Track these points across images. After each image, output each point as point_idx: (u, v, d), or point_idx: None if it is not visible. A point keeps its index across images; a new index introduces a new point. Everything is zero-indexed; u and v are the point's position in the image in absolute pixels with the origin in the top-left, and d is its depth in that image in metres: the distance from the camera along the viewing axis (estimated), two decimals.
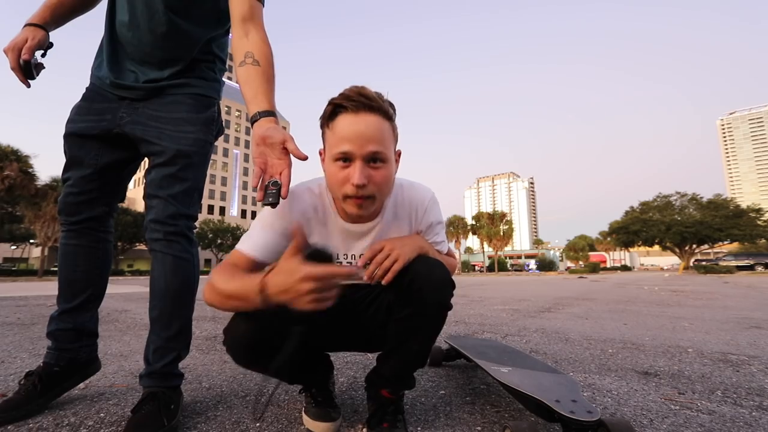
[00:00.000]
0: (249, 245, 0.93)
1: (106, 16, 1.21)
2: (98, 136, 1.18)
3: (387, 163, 0.89)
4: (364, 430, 1.05)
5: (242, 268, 0.91)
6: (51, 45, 1.20)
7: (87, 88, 1.25)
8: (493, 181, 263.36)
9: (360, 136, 0.85)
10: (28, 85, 1.17)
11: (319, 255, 0.72)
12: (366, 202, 0.89)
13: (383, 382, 1.05)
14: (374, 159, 0.87)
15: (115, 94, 1.20)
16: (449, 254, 1.13)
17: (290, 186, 0.86)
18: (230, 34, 1.23)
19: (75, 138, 1.19)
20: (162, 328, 1.15)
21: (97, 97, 1.21)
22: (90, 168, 1.18)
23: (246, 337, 0.89)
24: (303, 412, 1.11)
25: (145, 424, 0.98)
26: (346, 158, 0.86)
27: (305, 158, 0.91)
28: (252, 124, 0.94)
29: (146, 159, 1.24)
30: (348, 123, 0.85)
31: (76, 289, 1.22)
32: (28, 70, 1.14)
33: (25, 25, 1.16)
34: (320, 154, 0.96)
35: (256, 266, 0.93)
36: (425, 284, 0.90)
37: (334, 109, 0.88)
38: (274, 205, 0.84)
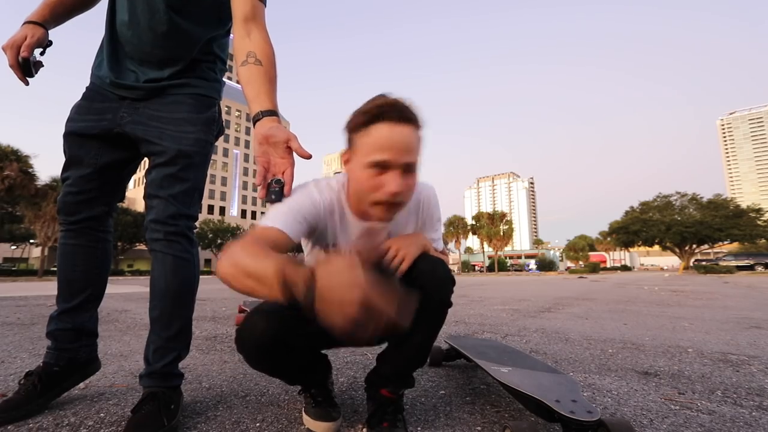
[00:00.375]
0: (281, 222, 0.86)
1: (106, 16, 1.21)
2: (98, 135, 1.18)
3: (416, 173, 0.92)
4: (364, 430, 1.05)
5: (270, 245, 0.79)
6: (50, 43, 1.20)
7: (87, 88, 1.24)
8: (493, 181, 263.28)
9: (399, 146, 0.87)
10: (27, 83, 1.17)
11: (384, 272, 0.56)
12: (395, 208, 0.92)
13: (383, 381, 1.06)
14: (408, 169, 0.89)
15: (116, 93, 1.20)
16: (443, 252, 1.14)
17: (301, 181, 0.87)
18: (231, 34, 1.23)
19: (75, 137, 1.19)
20: (162, 328, 1.15)
21: (97, 96, 1.21)
22: (89, 167, 1.18)
23: (266, 336, 0.87)
24: (303, 412, 1.11)
25: (145, 424, 0.98)
26: (382, 166, 0.87)
27: (309, 157, 0.91)
28: (254, 124, 0.94)
29: (146, 159, 1.24)
30: (387, 132, 0.87)
31: (75, 288, 1.22)
32: (26, 68, 1.13)
33: (24, 23, 1.16)
34: (343, 157, 0.97)
35: (285, 244, 0.85)
36: (429, 282, 0.92)
37: (371, 118, 0.88)
38: (276, 202, 0.84)
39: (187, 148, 1.16)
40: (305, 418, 1.08)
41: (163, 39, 1.16)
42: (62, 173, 1.21)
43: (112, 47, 1.20)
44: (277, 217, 0.86)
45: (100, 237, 1.25)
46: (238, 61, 1.01)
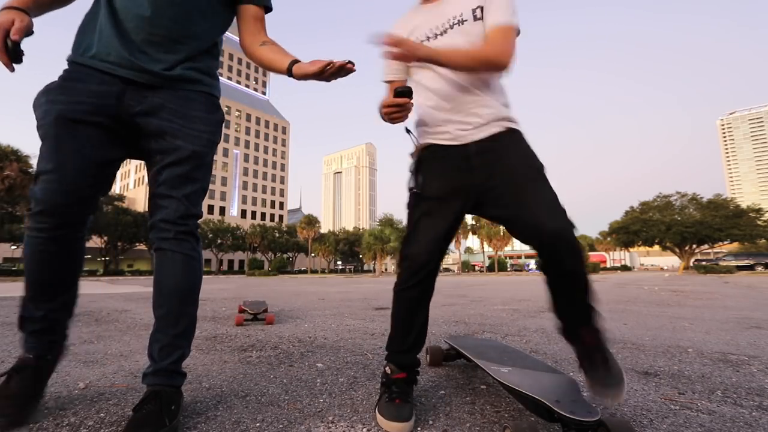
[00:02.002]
0: (389, 75, 1.35)
1: None
2: (95, 122, 1.08)
3: None
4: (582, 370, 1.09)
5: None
6: (32, 32, 1.09)
7: (71, 69, 1.11)
8: None
9: None
10: (13, 69, 1.05)
11: (400, 92, 1.09)
12: None
13: (572, 324, 1.13)
14: None
15: (120, 76, 1.10)
16: (504, 37, 1.16)
17: None
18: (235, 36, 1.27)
19: (68, 122, 1.05)
20: (170, 325, 1.14)
21: (91, 78, 1.09)
22: (86, 160, 1.07)
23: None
24: (376, 411, 1.13)
25: (146, 423, 0.98)
26: None
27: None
28: (294, 65, 1.14)
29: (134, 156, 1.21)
30: None
31: (55, 292, 1.18)
32: (16, 53, 1.03)
33: (6, 7, 1.05)
34: None
35: (403, 82, 1.35)
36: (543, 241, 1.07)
37: None
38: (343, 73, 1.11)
39: (201, 148, 1.16)
40: (378, 417, 1.10)
41: (188, 15, 1.14)
42: (46, 164, 1.04)
43: (116, 27, 1.10)
44: (387, 71, 1.34)
45: (79, 237, 1.16)
46: (257, 43, 1.24)
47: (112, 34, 1.10)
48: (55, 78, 1.12)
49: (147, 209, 1.21)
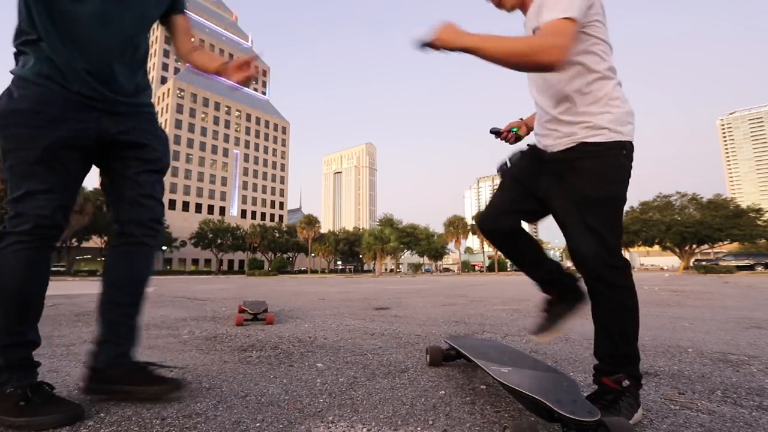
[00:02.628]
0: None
1: (40, 13, 1.08)
2: (79, 145, 1.17)
3: None
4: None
5: None
6: None
7: (37, 92, 1.10)
8: (493, 181, 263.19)
9: None
10: None
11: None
12: None
13: (600, 367, 1.17)
14: None
15: (97, 107, 1.19)
16: (552, 31, 0.99)
17: None
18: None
19: (57, 149, 1.11)
20: (137, 312, 1.34)
21: (68, 103, 1.13)
22: (71, 176, 1.18)
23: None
24: None
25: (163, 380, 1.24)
26: None
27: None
28: (221, 66, 1.30)
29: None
30: None
31: (39, 309, 1.21)
32: None
33: None
34: None
35: None
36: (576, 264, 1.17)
37: None
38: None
39: (168, 160, 1.39)
40: None
41: (131, 30, 1.21)
42: (39, 185, 1.10)
43: (76, 48, 1.11)
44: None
45: (54, 246, 1.24)
46: (191, 50, 1.39)
47: (75, 56, 1.12)
48: None
49: (121, 207, 1.29)
